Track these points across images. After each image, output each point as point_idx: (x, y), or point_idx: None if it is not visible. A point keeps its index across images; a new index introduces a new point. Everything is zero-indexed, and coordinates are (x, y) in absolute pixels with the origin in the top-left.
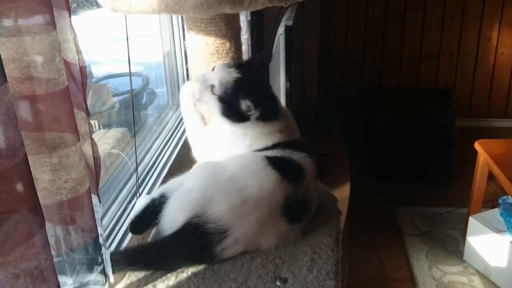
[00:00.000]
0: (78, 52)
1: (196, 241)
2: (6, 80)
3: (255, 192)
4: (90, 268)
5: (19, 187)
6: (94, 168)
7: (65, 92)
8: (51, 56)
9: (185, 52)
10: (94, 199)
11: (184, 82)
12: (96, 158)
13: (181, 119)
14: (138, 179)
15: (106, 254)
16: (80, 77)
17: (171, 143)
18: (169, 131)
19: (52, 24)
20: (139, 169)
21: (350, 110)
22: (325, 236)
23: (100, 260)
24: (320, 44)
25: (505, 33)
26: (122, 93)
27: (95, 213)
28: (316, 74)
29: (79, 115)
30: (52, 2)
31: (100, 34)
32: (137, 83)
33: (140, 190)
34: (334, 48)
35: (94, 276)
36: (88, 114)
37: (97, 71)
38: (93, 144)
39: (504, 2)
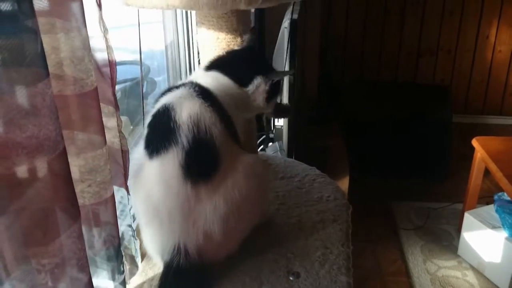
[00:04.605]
0: (108, 46)
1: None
2: (48, 75)
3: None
4: (112, 276)
5: (59, 179)
6: (122, 162)
7: (93, 93)
8: (80, 55)
9: (188, 42)
10: (123, 192)
11: (186, 72)
12: (124, 151)
13: None
14: None
15: (136, 244)
16: (109, 71)
17: None
18: None
19: (83, 22)
20: None
21: (347, 104)
22: (335, 231)
23: (122, 269)
24: (321, 38)
25: (504, 31)
26: (125, 81)
27: (123, 205)
28: (317, 68)
29: (106, 109)
30: None
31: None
32: (137, 72)
33: None
34: (333, 42)
35: (115, 286)
36: (117, 108)
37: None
38: (122, 138)
39: (503, 0)
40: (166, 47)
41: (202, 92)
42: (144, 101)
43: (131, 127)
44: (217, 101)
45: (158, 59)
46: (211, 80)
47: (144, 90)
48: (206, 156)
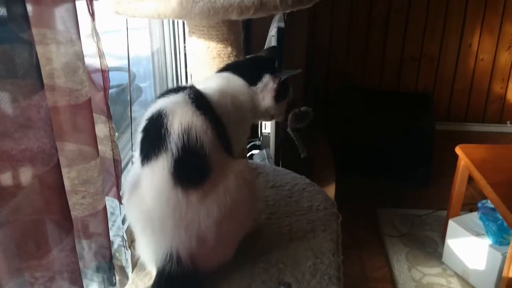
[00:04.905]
0: (101, 56)
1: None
2: (43, 87)
3: (150, 203)
4: None
5: (52, 191)
6: (115, 171)
7: (87, 104)
8: (74, 66)
9: (174, 50)
10: (113, 201)
11: (173, 80)
12: (116, 160)
13: None
14: None
15: (127, 255)
16: (102, 81)
17: None
18: None
19: (76, 33)
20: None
21: (332, 111)
22: (325, 240)
23: (114, 280)
24: (306, 45)
25: (486, 40)
26: (110, 87)
27: (111, 215)
28: (303, 76)
29: (99, 119)
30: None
31: (83, 26)
32: (122, 78)
33: None
34: (318, 48)
35: None
36: (110, 118)
37: None
38: (114, 147)
39: (485, 9)
40: (152, 54)
41: (197, 100)
42: (129, 108)
43: (116, 134)
44: (211, 109)
45: (143, 65)
46: (221, 80)
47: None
48: (196, 163)
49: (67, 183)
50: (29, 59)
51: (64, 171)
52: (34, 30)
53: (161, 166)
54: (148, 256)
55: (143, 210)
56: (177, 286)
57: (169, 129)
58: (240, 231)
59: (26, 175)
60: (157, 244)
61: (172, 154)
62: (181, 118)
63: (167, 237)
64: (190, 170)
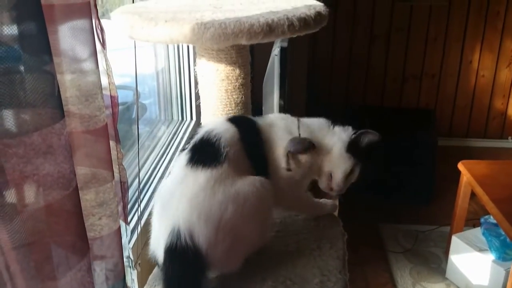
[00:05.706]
0: (111, 82)
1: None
2: (64, 115)
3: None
4: None
5: (71, 214)
6: (121, 193)
7: (105, 129)
8: (94, 93)
9: (179, 70)
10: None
11: (177, 99)
12: (124, 182)
13: (173, 134)
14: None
15: (133, 274)
16: (111, 106)
17: (165, 157)
18: (162, 146)
19: (95, 61)
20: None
21: None
22: (332, 258)
23: None
24: (308, 64)
25: (486, 56)
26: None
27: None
28: (304, 94)
29: None
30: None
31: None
32: (126, 96)
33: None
34: (319, 67)
35: None
36: (118, 141)
37: None
38: (121, 170)
39: (485, 26)
40: (157, 73)
41: (234, 119)
42: (133, 126)
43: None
44: (250, 130)
45: (148, 83)
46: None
47: (133, 115)
48: (209, 151)
49: (83, 205)
50: (51, 89)
51: (82, 193)
52: (58, 59)
53: (183, 156)
54: (160, 241)
55: (161, 193)
56: (178, 260)
57: (199, 134)
58: (246, 240)
59: (46, 199)
60: (165, 221)
61: (193, 144)
62: (211, 125)
63: (172, 209)
64: (202, 153)
